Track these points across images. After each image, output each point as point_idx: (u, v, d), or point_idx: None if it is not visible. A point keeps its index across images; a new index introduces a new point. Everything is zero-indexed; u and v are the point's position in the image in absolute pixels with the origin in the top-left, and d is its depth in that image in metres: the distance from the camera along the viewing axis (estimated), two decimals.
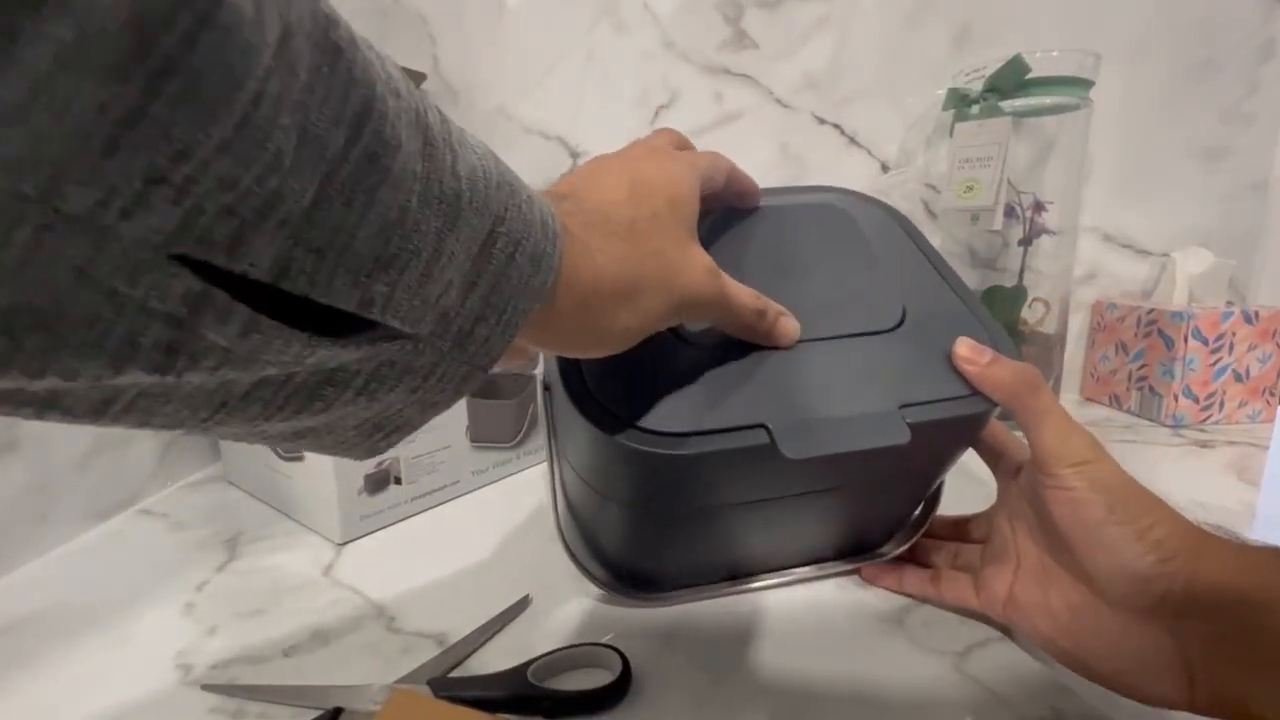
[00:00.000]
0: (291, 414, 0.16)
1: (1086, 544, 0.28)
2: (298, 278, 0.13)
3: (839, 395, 0.30)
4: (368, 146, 0.14)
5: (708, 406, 0.29)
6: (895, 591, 0.37)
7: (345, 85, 0.13)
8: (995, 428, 0.35)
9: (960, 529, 0.39)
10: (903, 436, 0.28)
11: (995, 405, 0.31)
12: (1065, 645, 0.29)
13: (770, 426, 0.28)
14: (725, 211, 0.36)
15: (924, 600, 0.36)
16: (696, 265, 0.26)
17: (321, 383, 0.16)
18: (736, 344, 0.31)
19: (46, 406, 0.13)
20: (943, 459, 0.35)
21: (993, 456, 0.35)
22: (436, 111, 0.17)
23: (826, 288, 0.34)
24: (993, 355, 0.31)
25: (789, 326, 0.31)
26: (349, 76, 0.13)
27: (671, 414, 0.28)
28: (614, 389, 0.29)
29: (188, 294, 0.12)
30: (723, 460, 0.28)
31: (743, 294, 0.29)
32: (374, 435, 0.19)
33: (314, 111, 0.13)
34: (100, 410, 0.13)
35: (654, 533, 0.34)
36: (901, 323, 0.33)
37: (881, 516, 0.38)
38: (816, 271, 0.35)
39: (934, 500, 0.38)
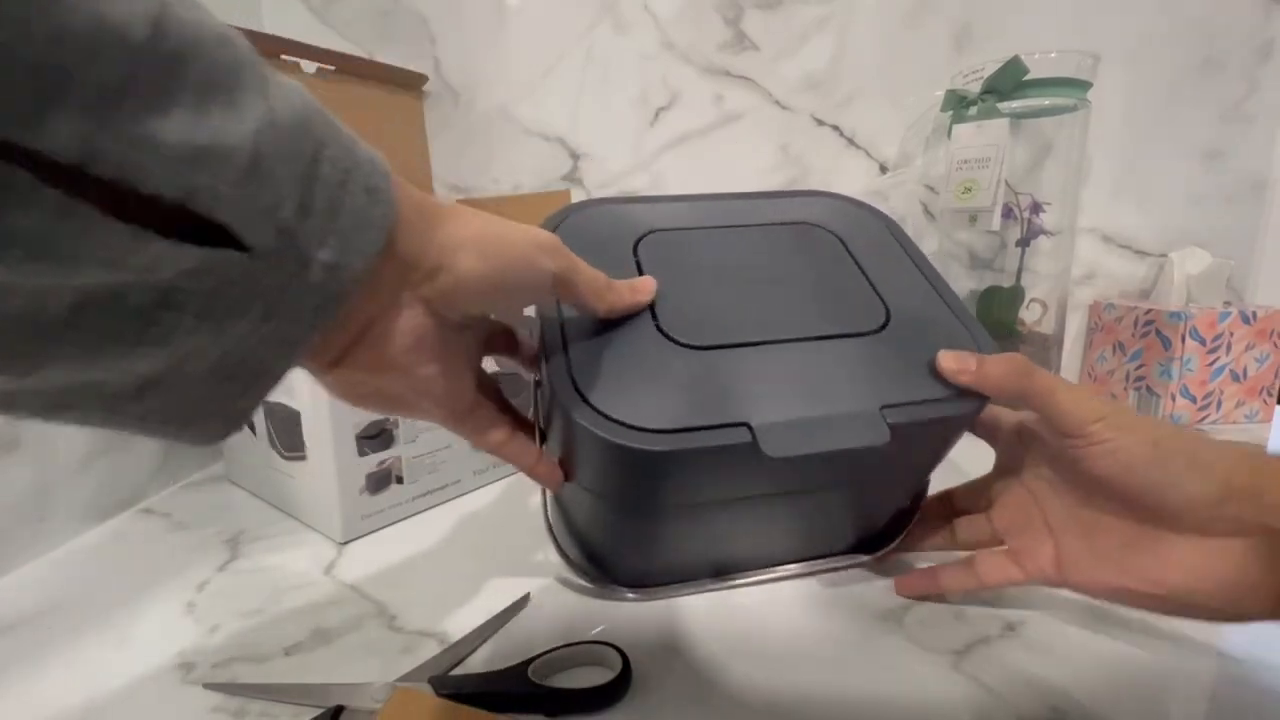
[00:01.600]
0: (126, 346, 0.16)
1: (1144, 486, 0.28)
2: (105, 162, 0.13)
3: (821, 395, 0.30)
4: (174, 47, 0.14)
5: (692, 404, 0.29)
6: (937, 593, 0.36)
7: None
8: None
9: (947, 505, 0.39)
10: (882, 437, 0.29)
11: (978, 405, 0.31)
12: (1131, 584, 0.29)
13: (752, 425, 0.29)
14: (706, 232, 0.38)
15: (966, 592, 0.36)
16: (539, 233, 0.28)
17: (156, 304, 0.15)
18: (722, 345, 0.31)
19: None
20: (929, 458, 0.35)
21: (988, 430, 0.36)
22: (252, 52, 0.17)
23: (811, 293, 0.35)
24: (977, 358, 0.31)
25: (641, 285, 0.32)
26: None
27: (656, 410, 0.29)
28: (601, 385, 0.29)
29: None
30: (705, 456, 0.28)
31: (589, 270, 0.29)
32: (227, 385, 0.19)
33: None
34: None
35: (641, 529, 0.34)
36: (885, 325, 0.34)
37: (871, 513, 0.38)
38: (801, 279, 0.36)
39: (921, 492, 0.39)
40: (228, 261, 0.16)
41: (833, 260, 0.37)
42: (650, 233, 0.37)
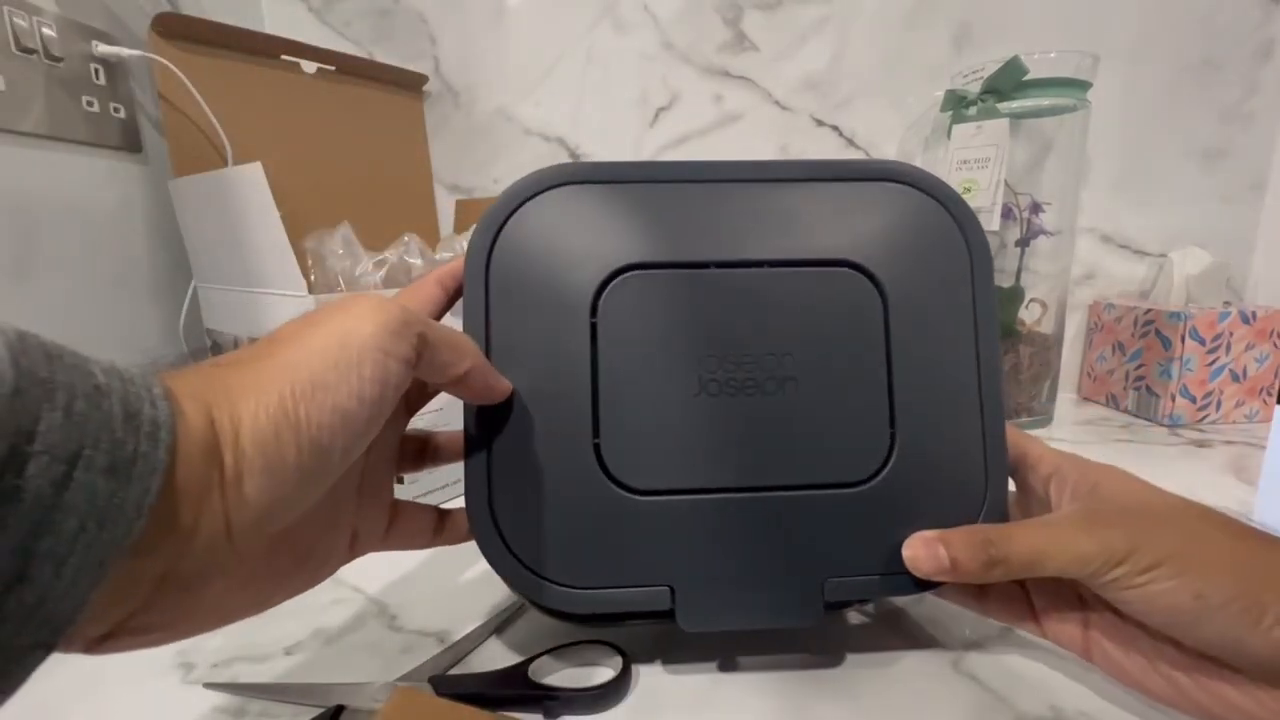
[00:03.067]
0: None
1: (1188, 632, 0.23)
2: None
3: (764, 560, 0.28)
4: None
5: (617, 554, 0.28)
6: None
7: None
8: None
9: None
10: (812, 617, 0.28)
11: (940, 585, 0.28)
12: (1176, 702, 0.24)
13: (675, 588, 0.28)
14: (697, 278, 0.29)
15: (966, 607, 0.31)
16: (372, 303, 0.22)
17: None
18: (671, 491, 0.28)
19: None
20: None
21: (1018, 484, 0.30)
22: None
23: (803, 419, 0.28)
24: (940, 542, 0.26)
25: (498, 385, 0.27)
26: None
27: (576, 561, 0.28)
28: (519, 521, 0.28)
29: None
30: (623, 612, 0.28)
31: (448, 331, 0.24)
32: None
33: None
34: None
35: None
36: (880, 471, 0.28)
37: None
38: (799, 393, 0.29)
39: None
40: None
41: (855, 340, 0.29)
42: (624, 271, 0.29)
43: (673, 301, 0.29)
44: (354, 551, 0.28)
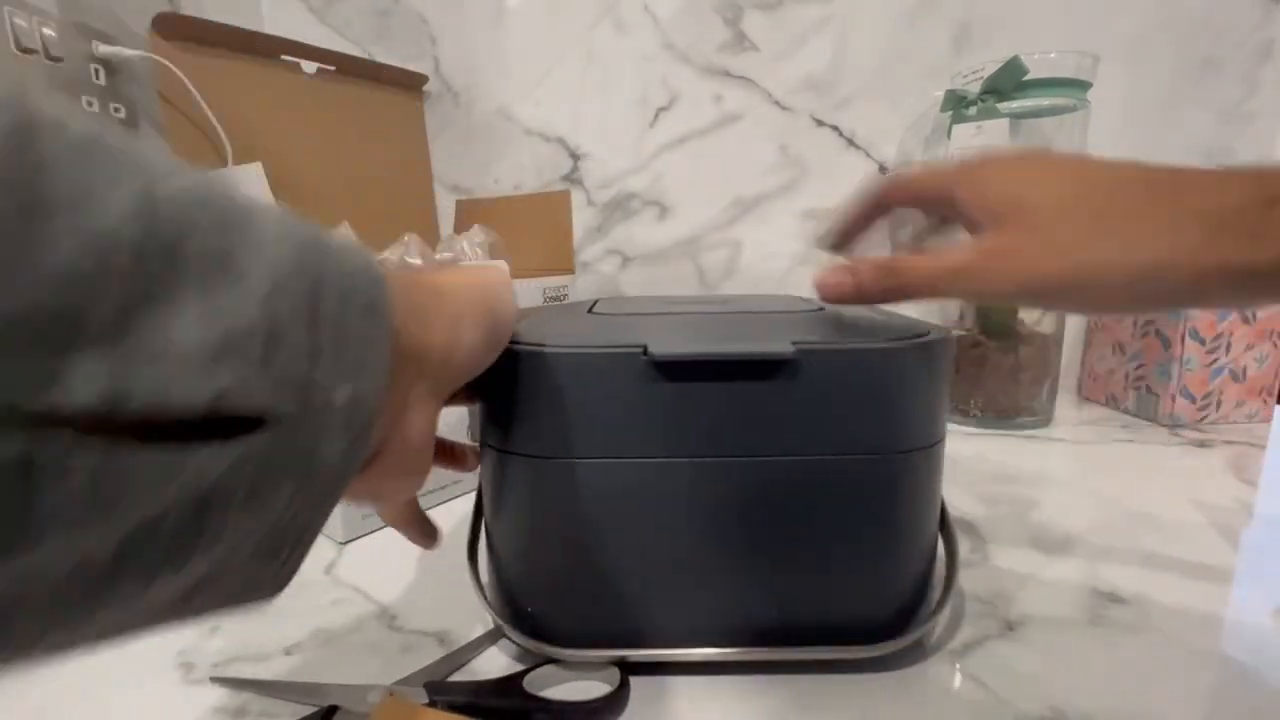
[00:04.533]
0: (179, 561, 0.14)
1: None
2: (133, 398, 0.12)
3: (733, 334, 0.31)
4: (168, 237, 0.13)
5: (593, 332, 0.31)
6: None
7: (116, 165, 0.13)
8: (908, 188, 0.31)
9: None
10: (784, 348, 0.27)
11: (897, 346, 0.28)
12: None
13: (648, 345, 0.28)
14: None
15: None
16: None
17: (198, 512, 0.14)
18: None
19: None
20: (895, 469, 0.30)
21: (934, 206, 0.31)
22: (227, 195, 0.16)
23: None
24: (849, 270, 0.28)
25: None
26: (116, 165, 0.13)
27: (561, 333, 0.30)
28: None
29: (22, 441, 0.11)
30: (597, 367, 0.28)
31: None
32: (277, 557, 0.18)
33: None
34: None
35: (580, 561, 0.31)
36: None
37: (860, 576, 0.31)
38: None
39: (928, 566, 0.33)
40: (261, 443, 0.15)
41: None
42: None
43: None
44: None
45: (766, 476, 0.29)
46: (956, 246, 0.27)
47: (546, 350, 0.28)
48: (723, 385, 0.28)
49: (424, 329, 0.22)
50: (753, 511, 0.30)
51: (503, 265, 0.57)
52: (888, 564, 0.31)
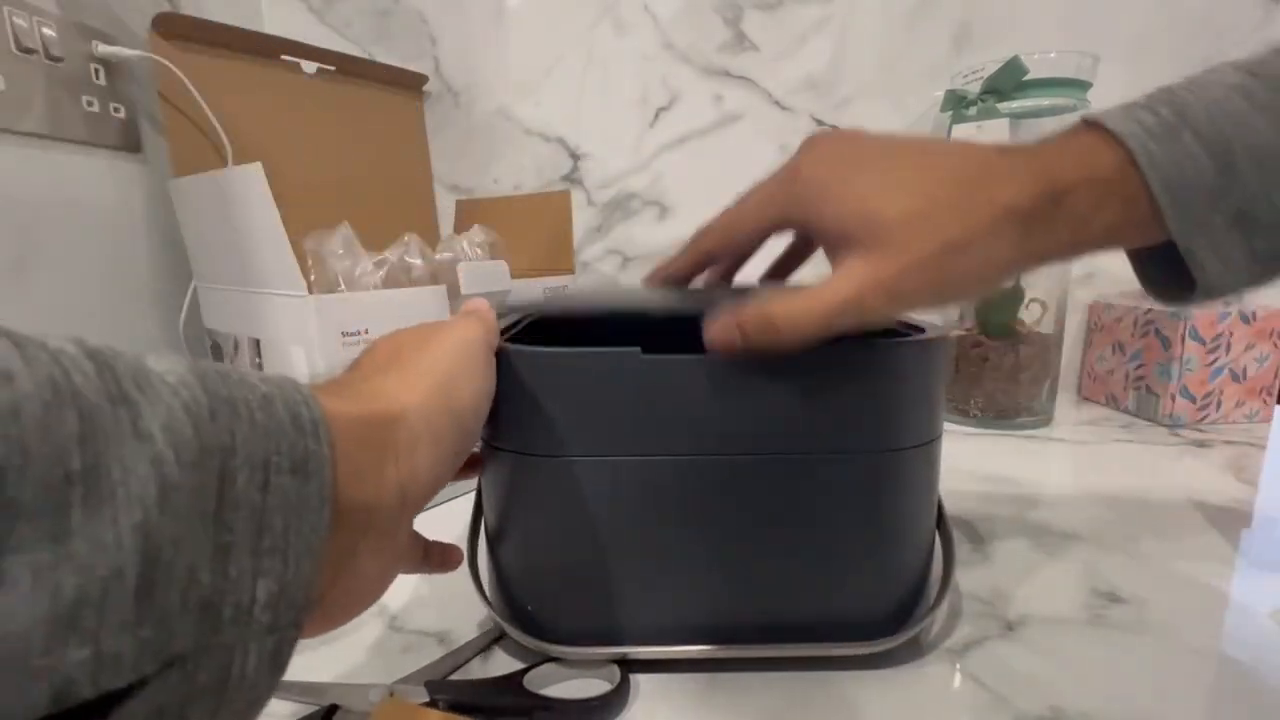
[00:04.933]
0: None
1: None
2: None
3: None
4: None
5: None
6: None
7: None
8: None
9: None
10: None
11: (894, 345, 0.29)
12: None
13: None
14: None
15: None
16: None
17: None
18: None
19: None
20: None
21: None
22: (103, 370, 0.12)
23: None
24: (735, 324, 0.27)
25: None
26: None
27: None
28: None
29: None
30: (594, 367, 0.28)
31: None
32: None
33: None
34: None
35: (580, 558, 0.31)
36: None
37: (858, 571, 0.31)
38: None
39: (926, 563, 0.33)
40: (138, 707, 0.12)
41: None
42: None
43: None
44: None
45: (764, 474, 0.29)
46: (827, 281, 0.26)
47: (542, 352, 0.29)
48: (719, 385, 0.29)
49: (370, 481, 0.19)
50: (751, 509, 0.30)
51: (501, 265, 0.57)
52: (885, 561, 0.31)
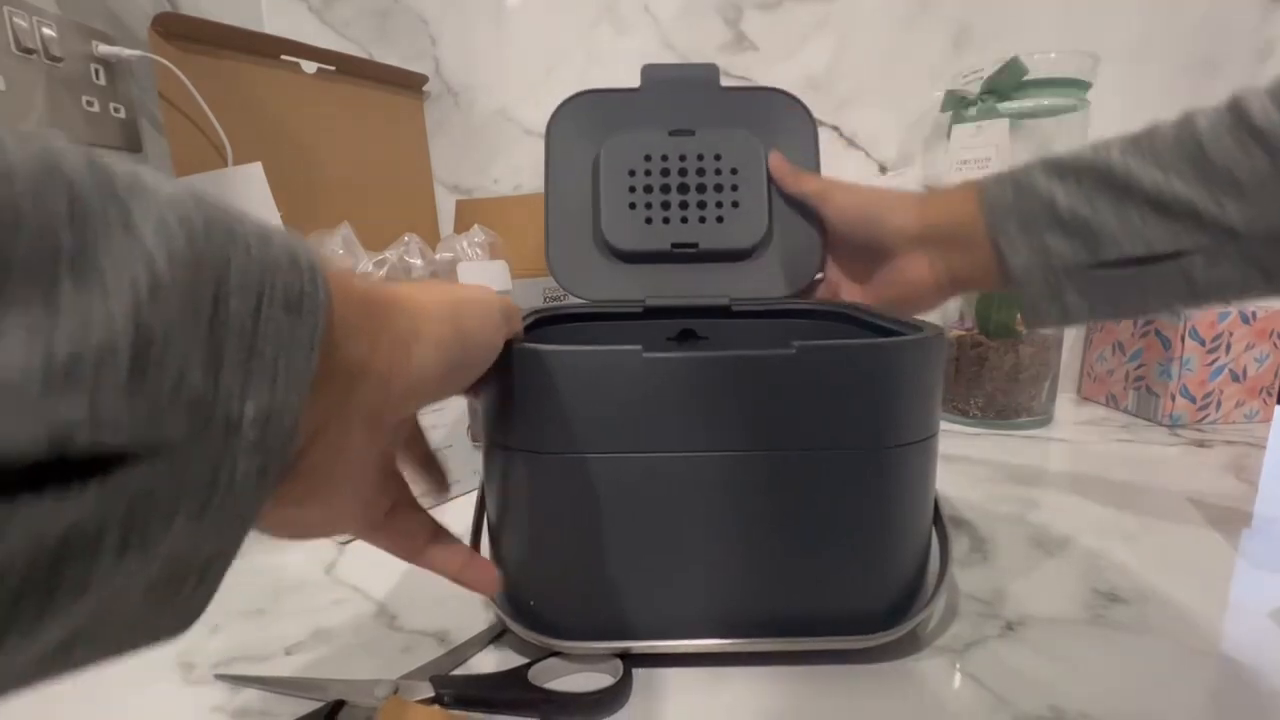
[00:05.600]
0: (27, 627, 0.12)
1: (858, 229, 0.46)
2: None
3: None
4: None
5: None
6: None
7: None
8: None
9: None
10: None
11: (893, 343, 0.30)
12: (876, 295, 0.46)
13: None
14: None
15: None
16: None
17: (53, 563, 0.11)
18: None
19: None
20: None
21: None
22: (95, 167, 0.12)
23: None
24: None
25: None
26: None
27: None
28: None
29: None
30: (596, 366, 0.29)
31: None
32: (178, 594, 0.15)
33: None
34: None
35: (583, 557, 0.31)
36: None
37: (852, 565, 0.31)
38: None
39: (923, 559, 0.34)
40: (136, 479, 0.12)
41: None
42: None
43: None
44: (368, 513, 0.26)
45: (764, 470, 0.30)
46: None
47: (544, 350, 0.29)
48: (721, 384, 0.29)
49: (362, 345, 0.19)
50: (751, 504, 0.30)
51: (501, 265, 0.57)
52: (883, 556, 0.32)
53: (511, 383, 0.29)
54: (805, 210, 0.48)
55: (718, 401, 0.29)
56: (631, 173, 0.48)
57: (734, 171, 0.48)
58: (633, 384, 0.29)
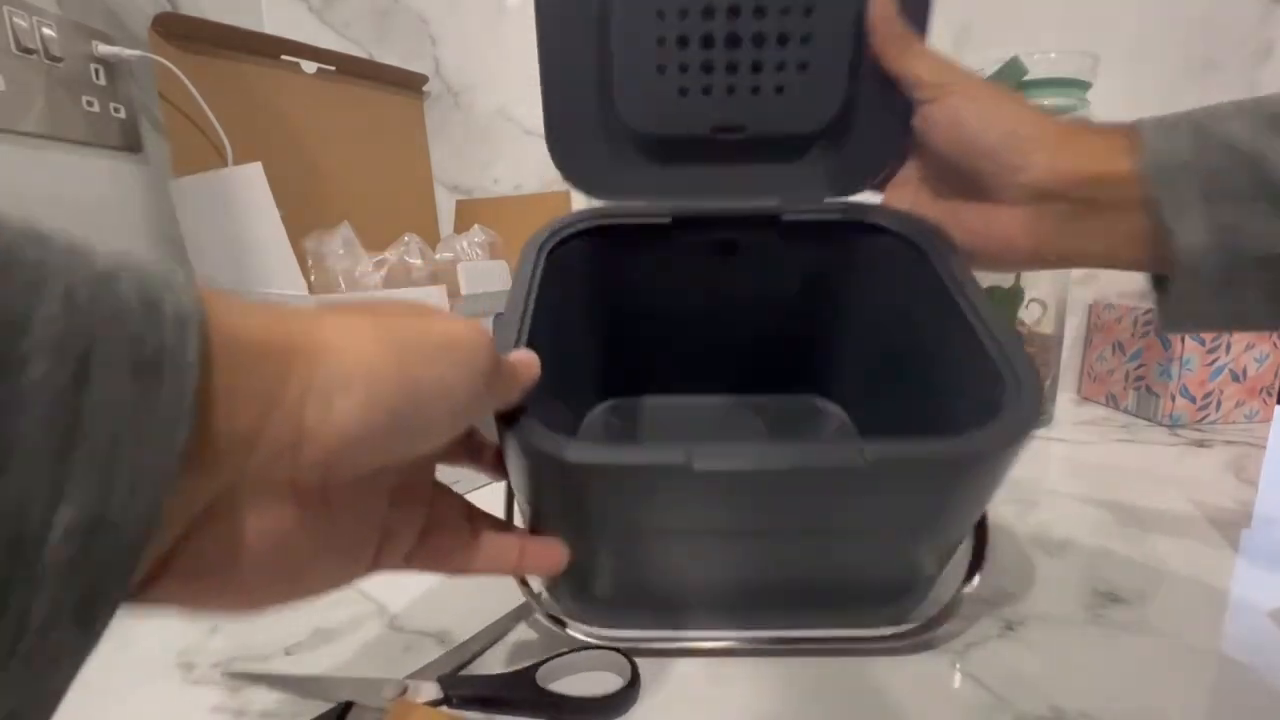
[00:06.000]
0: None
1: (969, 149, 0.33)
2: None
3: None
4: None
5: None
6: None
7: None
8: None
9: None
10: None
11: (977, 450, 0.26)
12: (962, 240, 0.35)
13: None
14: None
15: None
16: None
17: None
18: None
19: None
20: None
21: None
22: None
23: None
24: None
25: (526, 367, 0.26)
26: None
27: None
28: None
29: None
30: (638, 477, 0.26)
31: None
32: None
33: None
34: None
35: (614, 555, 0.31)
36: None
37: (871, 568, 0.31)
38: None
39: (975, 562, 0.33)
40: None
41: None
42: None
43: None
44: (380, 558, 0.23)
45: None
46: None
47: (571, 463, 0.25)
48: (776, 496, 0.27)
49: (250, 409, 0.15)
50: (780, 516, 0.28)
51: (501, 265, 0.57)
52: (922, 561, 0.31)
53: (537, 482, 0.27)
54: (896, 91, 0.35)
55: (770, 506, 0.27)
56: (661, 15, 0.34)
57: (807, 13, 0.34)
58: (683, 500, 0.26)
